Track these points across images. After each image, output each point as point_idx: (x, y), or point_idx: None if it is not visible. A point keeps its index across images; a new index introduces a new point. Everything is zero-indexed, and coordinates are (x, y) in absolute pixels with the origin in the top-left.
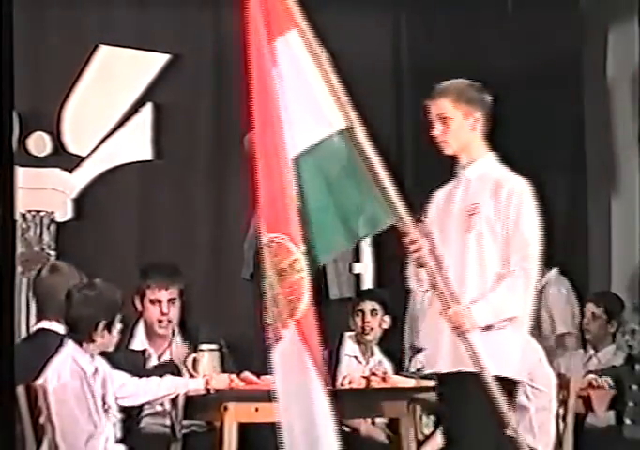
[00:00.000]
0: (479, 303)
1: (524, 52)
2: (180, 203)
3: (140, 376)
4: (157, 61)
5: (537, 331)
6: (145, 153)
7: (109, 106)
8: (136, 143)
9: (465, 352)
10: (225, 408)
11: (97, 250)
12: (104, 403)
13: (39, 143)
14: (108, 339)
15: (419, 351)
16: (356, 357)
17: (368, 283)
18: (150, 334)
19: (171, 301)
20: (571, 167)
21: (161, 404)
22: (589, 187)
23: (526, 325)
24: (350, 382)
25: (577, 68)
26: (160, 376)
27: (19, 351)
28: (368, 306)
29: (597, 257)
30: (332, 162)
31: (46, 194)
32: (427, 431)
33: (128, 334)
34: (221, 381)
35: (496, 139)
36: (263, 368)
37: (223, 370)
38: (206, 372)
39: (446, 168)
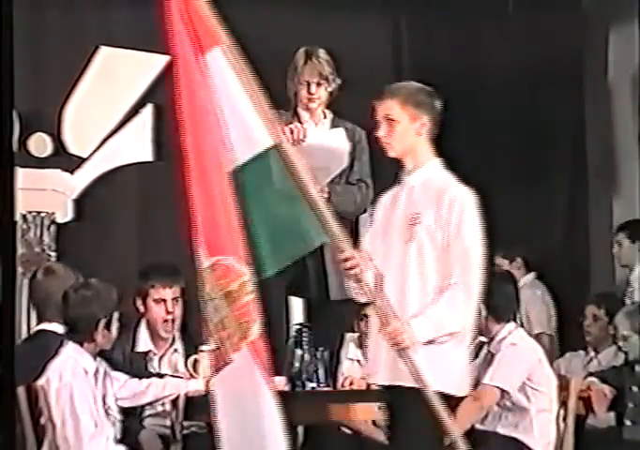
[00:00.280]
0: (418, 318)
1: (525, 53)
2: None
3: (142, 377)
4: (157, 62)
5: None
6: (146, 154)
7: (109, 107)
8: (137, 144)
9: (405, 367)
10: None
11: (97, 251)
12: (104, 404)
13: (40, 144)
14: (107, 337)
15: None
16: (358, 361)
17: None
18: (153, 334)
19: (175, 300)
20: (572, 167)
21: (162, 404)
22: (590, 188)
23: (469, 339)
24: (351, 384)
25: (578, 69)
26: (161, 377)
27: (20, 351)
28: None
29: (598, 257)
30: (263, 180)
31: (47, 195)
32: None
33: (130, 336)
34: None
35: (497, 139)
36: None
37: None
38: (207, 373)
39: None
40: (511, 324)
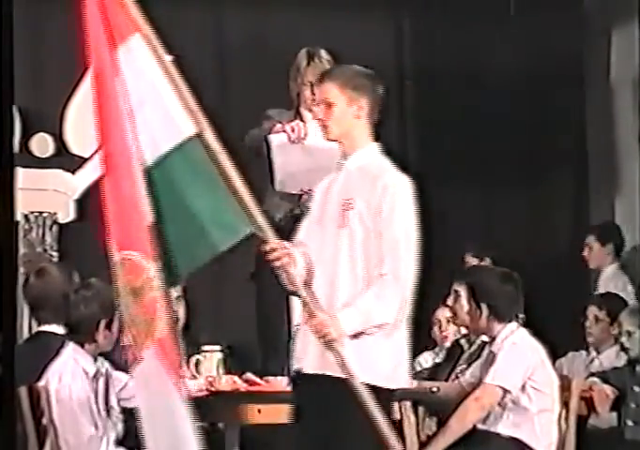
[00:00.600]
0: (346, 310)
1: (526, 53)
2: None
3: None
4: None
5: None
6: None
7: None
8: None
9: (333, 358)
10: (228, 409)
11: (99, 251)
12: (106, 404)
13: (42, 145)
14: (109, 338)
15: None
16: None
17: None
18: None
19: (178, 299)
20: (574, 167)
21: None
22: (591, 188)
23: (404, 331)
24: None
25: (579, 69)
26: None
27: (21, 352)
28: None
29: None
30: (185, 171)
31: (48, 195)
32: (429, 432)
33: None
34: (224, 382)
35: (498, 139)
36: (265, 370)
37: (226, 372)
38: (209, 374)
39: (449, 166)
40: (513, 324)
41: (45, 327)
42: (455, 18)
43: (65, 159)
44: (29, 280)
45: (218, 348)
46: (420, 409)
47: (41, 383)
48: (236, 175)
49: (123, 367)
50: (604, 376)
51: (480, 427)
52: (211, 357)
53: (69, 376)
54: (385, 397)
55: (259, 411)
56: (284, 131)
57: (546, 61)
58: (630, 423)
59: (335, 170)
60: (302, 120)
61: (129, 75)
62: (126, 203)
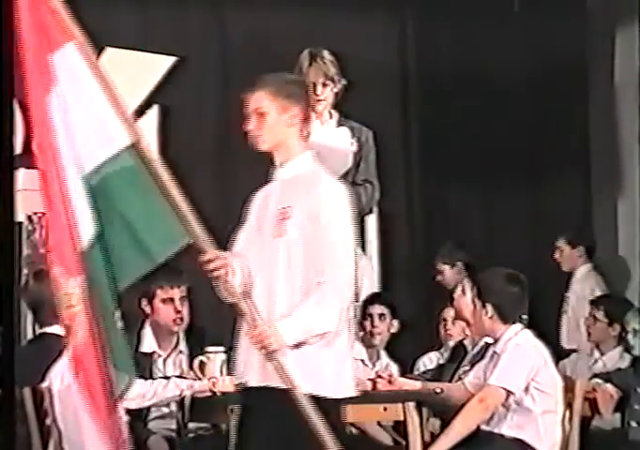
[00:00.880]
0: (286, 320)
1: (529, 55)
2: None
3: (147, 379)
4: (163, 63)
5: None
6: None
7: None
8: None
9: (274, 369)
10: (231, 410)
11: None
12: None
13: None
14: None
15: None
16: (362, 360)
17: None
18: (158, 335)
19: (182, 299)
20: (576, 169)
21: (167, 406)
22: (594, 189)
23: (345, 339)
24: (356, 385)
25: (583, 70)
26: (166, 378)
27: (24, 354)
28: (377, 310)
29: (601, 258)
30: (120, 182)
31: None
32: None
33: (135, 337)
34: (228, 383)
35: (501, 140)
36: None
37: (229, 373)
38: (212, 375)
39: (450, 169)
40: (517, 325)
41: (47, 329)
42: (458, 19)
43: None
44: (28, 283)
45: (222, 349)
46: (424, 409)
47: (44, 385)
48: (173, 185)
49: None
50: (608, 377)
51: (483, 428)
52: (215, 358)
53: (72, 377)
54: (331, 406)
55: None
56: None
57: (549, 62)
58: (633, 424)
59: (271, 179)
60: None
61: (64, 82)
62: (55, 217)
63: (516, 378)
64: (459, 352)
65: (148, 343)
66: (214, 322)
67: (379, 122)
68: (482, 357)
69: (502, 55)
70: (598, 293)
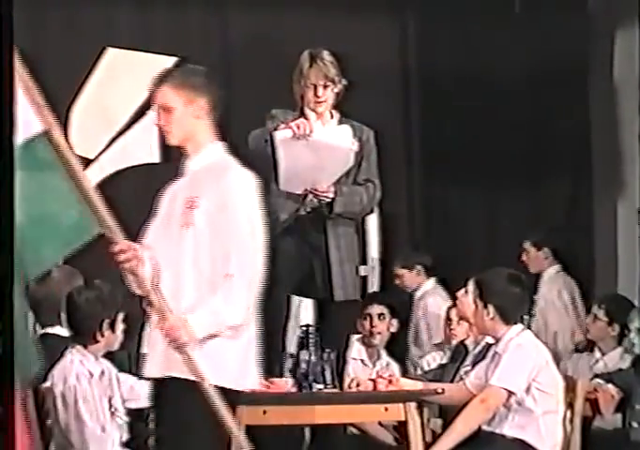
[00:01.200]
0: (196, 313)
1: (530, 53)
2: None
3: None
4: (164, 63)
5: (415, 340)
6: (153, 156)
7: (116, 109)
8: (143, 146)
9: (183, 361)
10: (233, 410)
11: (104, 252)
12: (110, 406)
13: None
14: (112, 338)
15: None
16: (362, 360)
17: (374, 286)
18: None
19: None
20: (577, 168)
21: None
22: (595, 188)
23: (251, 332)
24: (357, 385)
25: (583, 69)
26: None
27: None
28: (376, 309)
29: (603, 259)
30: (32, 170)
31: None
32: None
33: (136, 338)
34: None
35: (501, 139)
36: (271, 371)
37: None
38: None
39: (451, 170)
40: (519, 326)
41: (49, 330)
42: (459, 17)
43: None
44: (29, 284)
45: None
46: (426, 410)
47: (46, 385)
48: (84, 174)
49: (127, 369)
50: (609, 377)
51: (484, 428)
52: None
53: (74, 377)
54: (232, 398)
55: (264, 412)
56: (289, 127)
57: (550, 62)
58: (635, 424)
59: (181, 173)
60: (307, 119)
61: None
62: None
63: (517, 378)
64: (460, 351)
65: None
66: None
67: (380, 122)
68: (484, 357)
69: (503, 56)
70: (565, 296)
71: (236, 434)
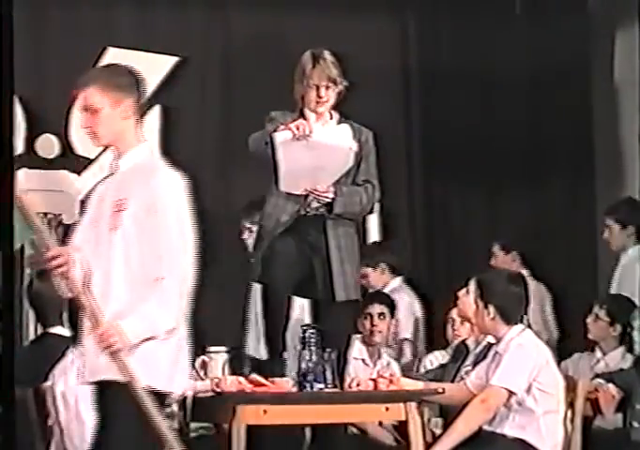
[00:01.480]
0: (130, 318)
1: (531, 53)
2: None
3: None
4: (165, 63)
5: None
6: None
7: None
8: None
9: (116, 366)
10: (234, 410)
11: None
12: None
13: (47, 146)
14: None
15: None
16: (363, 360)
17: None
18: None
19: None
20: (579, 168)
21: (169, 405)
22: (597, 188)
23: (181, 334)
24: (358, 385)
25: (585, 69)
26: None
27: (26, 354)
28: (376, 309)
29: (604, 258)
30: None
31: (54, 196)
32: (436, 432)
33: None
34: (230, 383)
35: (502, 139)
36: (271, 371)
37: (232, 372)
38: (215, 375)
39: (451, 169)
40: (520, 326)
41: (50, 329)
42: (460, 19)
43: (70, 160)
44: (32, 283)
45: (224, 349)
46: (426, 409)
47: (47, 385)
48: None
49: None
50: (610, 377)
51: (485, 428)
52: (217, 358)
53: (75, 377)
54: (162, 400)
55: (265, 412)
56: (289, 129)
57: (551, 62)
58: (635, 424)
59: (109, 173)
60: (306, 120)
61: None
62: None
63: (518, 378)
64: (461, 351)
65: None
66: (215, 322)
67: (381, 122)
68: (485, 357)
69: (504, 56)
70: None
71: (167, 436)
